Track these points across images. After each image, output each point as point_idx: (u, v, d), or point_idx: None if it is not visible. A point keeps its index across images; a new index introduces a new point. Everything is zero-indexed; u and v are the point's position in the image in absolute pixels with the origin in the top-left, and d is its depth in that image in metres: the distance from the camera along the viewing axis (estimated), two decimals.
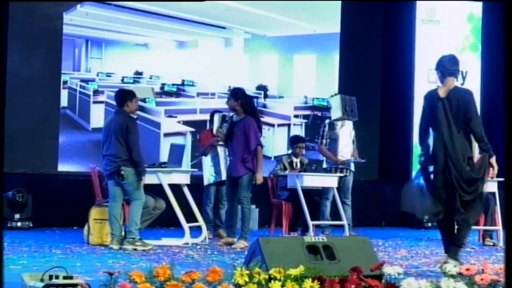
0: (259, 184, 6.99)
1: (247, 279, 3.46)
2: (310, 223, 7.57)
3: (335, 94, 8.40)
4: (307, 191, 7.78)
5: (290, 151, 8.48)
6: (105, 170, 6.74)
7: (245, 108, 7.00)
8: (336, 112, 8.08)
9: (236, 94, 7.08)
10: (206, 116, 9.00)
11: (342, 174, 8.09)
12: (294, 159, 8.20)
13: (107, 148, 6.69)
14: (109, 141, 6.66)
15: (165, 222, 8.16)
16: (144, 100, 9.59)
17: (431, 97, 5.41)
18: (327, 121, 8.33)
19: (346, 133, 8.19)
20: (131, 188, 6.62)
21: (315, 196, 8.05)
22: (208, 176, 7.98)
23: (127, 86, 9.35)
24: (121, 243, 6.59)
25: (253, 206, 9.19)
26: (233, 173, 7.01)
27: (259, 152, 6.93)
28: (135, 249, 6.45)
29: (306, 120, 10.42)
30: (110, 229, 6.71)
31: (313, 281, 3.47)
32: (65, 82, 9.29)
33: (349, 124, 8.19)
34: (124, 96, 6.78)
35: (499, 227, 7.67)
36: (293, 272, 3.52)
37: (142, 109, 9.60)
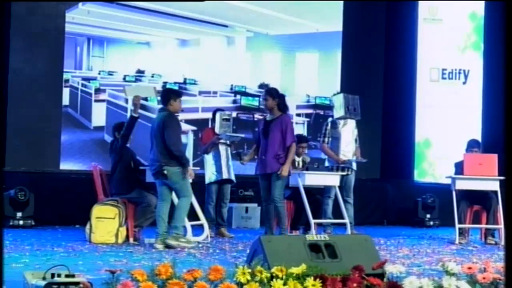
0: (284, 176, 6.99)
1: (249, 278, 3.45)
2: (312, 221, 7.56)
3: (338, 93, 8.38)
4: (309, 190, 7.78)
5: None
6: (150, 171, 6.81)
7: (280, 107, 7.06)
8: (339, 111, 8.06)
9: (274, 93, 7.15)
10: (208, 115, 8.98)
11: (344, 173, 8.08)
12: (296, 158, 8.18)
13: (151, 148, 6.79)
14: (152, 142, 6.76)
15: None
16: (146, 99, 9.57)
17: None
18: (329, 119, 8.32)
19: (348, 132, 8.18)
20: (177, 186, 6.67)
21: (317, 194, 8.04)
22: (210, 175, 7.96)
23: (129, 85, 9.36)
24: (165, 243, 6.58)
25: (255, 205, 9.23)
26: (267, 169, 7.01)
27: (292, 148, 6.99)
28: (178, 245, 6.48)
29: (308, 119, 10.39)
30: (157, 228, 6.75)
31: (315, 279, 3.46)
32: (66, 81, 9.27)
33: (351, 123, 8.17)
34: (168, 95, 6.85)
35: (501, 225, 7.64)
36: (295, 270, 3.51)
37: (144, 107, 9.58)
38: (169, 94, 6.84)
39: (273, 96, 7.07)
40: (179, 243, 6.51)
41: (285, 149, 6.96)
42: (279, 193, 6.97)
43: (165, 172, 6.58)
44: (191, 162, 9.08)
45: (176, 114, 6.85)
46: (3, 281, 2.88)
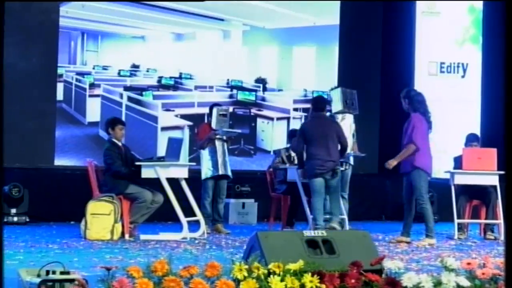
0: (388, 167, 7.10)
1: (246, 274, 3.40)
2: (310, 217, 7.52)
3: (336, 87, 8.36)
4: (306, 185, 7.70)
5: (288, 145, 8.44)
6: (322, 170, 7.23)
7: (411, 106, 7.11)
8: (336, 105, 8.03)
9: (403, 95, 7.26)
10: (204, 110, 8.95)
11: (342, 168, 8.02)
12: (292, 153, 8.14)
13: (321, 149, 7.25)
14: (326, 143, 7.24)
15: (163, 217, 8.11)
16: (141, 94, 9.54)
17: None
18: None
19: (346, 127, 8.13)
20: (341, 182, 7.39)
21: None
22: (206, 170, 7.92)
23: (124, 80, 9.29)
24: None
25: (252, 200, 9.20)
26: (401, 169, 7.19)
27: (408, 148, 7.00)
28: None
29: (305, 114, 10.33)
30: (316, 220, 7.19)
31: (312, 275, 3.43)
32: (60, 76, 9.22)
33: (349, 118, 8.14)
34: (326, 101, 7.70)
35: (501, 220, 7.61)
36: (293, 266, 3.47)
37: (139, 102, 9.55)
38: (326, 101, 7.68)
39: (403, 97, 7.19)
40: None
41: (416, 149, 6.96)
42: (419, 192, 7.00)
43: (337, 170, 7.27)
44: (187, 158, 9.09)
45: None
46: (3, 280, 2.87)
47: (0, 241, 2.78)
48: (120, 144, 7.23)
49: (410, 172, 6.99)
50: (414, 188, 7.02)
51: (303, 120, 10.30)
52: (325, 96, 9.89)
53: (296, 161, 8.02)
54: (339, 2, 10.53)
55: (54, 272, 3.40)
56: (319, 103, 7.52)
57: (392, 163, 7.02)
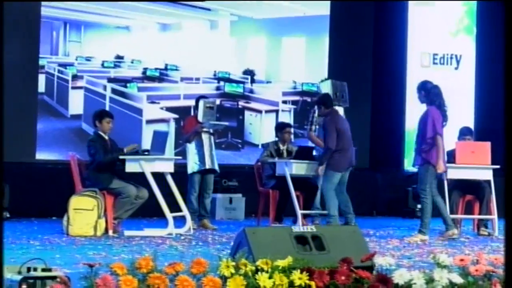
0: (440, 173, 7.03)
1: (233, 271, 3.38)
2: (299, 212, 7.49)
3: (326, 79, 8.34)
4: (304, 178, 7.69)
5: (277, 138, 8.36)
6: (346, 167, 7.40)
7: (427, 99, 7.07)
8: None
9: (419, 87, 7.23)
10: (190, 102, 8.93)
11: None
12: (281, 147, 8.14)
13: (348, 146, 7.39)
14: (349, 142, 7.40)
15: (148, 212, 8.02)
16: (125, 86, 9.39)
17: None
18: (316, 106, 8.20)
19: None
20: None
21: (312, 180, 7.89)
22: (192, 165, 7.86)
23: (107, 71, 9.17)
24: None
25: (240, 195, 9.14)
26: (414, 162, 7.24)
27: (437, 141, 6.94)
28: None
29: (295, 106, 10.38)
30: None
31: (301, 272, 3.40)
32: (42, 67, 9.15)
33: (339, 111, 8.06)
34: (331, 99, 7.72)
35: (495, 216, 7.57)
36: (281, 263, 3.43)
37: (123, 95, 9.51)
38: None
39: (419, 89, 7.16)
40: None
41: (427, 142, 6.94)
42: (422, 186, 7.02)
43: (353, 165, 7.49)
44: (172, 152, 9.00)
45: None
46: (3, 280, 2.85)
47: (1, 241, 2.79)
48: (106, 137, 7.17)
49: (420, 165, 7.02)
50: (419, 181, 7.05)
51: (292, 113, 10.17)
52: (315, 88, 9.86)
53: (286, 156, 7.92)
54: None
55: (35, 269, 3.39)
56: (329, 100, 7.58)
57: (441, 166, 6.94)
